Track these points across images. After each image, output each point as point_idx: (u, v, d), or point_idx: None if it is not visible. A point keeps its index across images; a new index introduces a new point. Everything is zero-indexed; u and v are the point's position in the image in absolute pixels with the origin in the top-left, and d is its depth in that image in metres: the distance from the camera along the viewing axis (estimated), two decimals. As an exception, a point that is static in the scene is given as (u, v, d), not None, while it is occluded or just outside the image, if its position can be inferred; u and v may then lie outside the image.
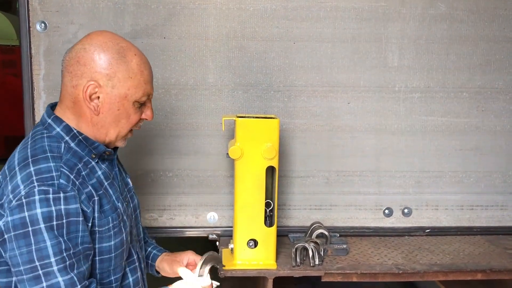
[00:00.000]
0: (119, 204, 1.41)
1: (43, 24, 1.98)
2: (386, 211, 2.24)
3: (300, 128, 2.15)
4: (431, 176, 2.23)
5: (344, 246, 2.01)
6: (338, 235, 2.15)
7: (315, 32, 2.08)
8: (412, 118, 2.17)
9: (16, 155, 1.30)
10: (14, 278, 1.26)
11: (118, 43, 1.33)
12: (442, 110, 2.18)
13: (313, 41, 2.08)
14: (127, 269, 1.47)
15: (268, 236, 1.83)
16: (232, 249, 1.87)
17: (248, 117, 1.80)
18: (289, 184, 2.18)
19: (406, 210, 2.24)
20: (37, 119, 2.03)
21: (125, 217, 1.43)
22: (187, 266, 1.62)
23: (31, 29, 1.98)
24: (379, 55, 2.12)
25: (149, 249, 1.72)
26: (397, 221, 2.25)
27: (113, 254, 1.37)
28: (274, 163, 1.78)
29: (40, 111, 2.03)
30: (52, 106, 1.40)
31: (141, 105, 1.39)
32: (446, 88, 2.17)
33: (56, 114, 1.36)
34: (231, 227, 1.87)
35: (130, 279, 1.48)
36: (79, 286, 1.20)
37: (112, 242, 1.36)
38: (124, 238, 1.41)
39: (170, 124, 2.10)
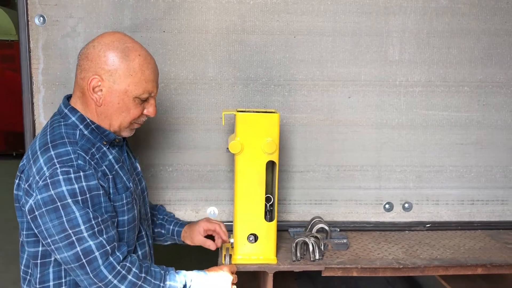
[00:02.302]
0: (130, 184, 1.58)
1: (41, 18, 1.96)
2: (387, 206, 2.23)
3: (300, 123, 2.14)
4: (432, 170, 2.22)
5: (345, 240, 2.01)
6: (339, 229, 2.15)
7: (316, 25, 2.07)
8: (412, 113, 2.17)
9: (37, 141, 1.46)
10: (40, 248, 1.46)
11: (124, 43, 1.47)
12: (443, 104, 2.17)
13: (314, 35, 2.07)
14: (136, 243, 1.63)
15: (268, 231, 1.83)
16: (232, 243, 1.87)
17: (248, 111, 1.79)
18: (289, 179, 2.18)
19: (406, 205, 2.24)
20: (37, 113, 2.03)
21: (135, 196, 1.60)
22: (205, 231, 1.86)
23: (29, 23, 1.96)
24: (380, 49, 2.11)
25: (171, 227, 1.90)
26: (397, 216, 2.25)
27: (126, 228, 1.54)
28: (274, 158, 1.78)
29: (39, 105, 2.02)
30: (68, 97, 1.56)
31: (142, 101, 1.52)
32: (447, 82, 2.16)
33: (71, 104, 1.52)
34: (231, 222, 1.87)
35: (140, 252, 1.65)
36: (108, 247, 1.39)
37: (126, 217, 1.53)
38: (136, 215, 1.59)
39: (170, 118, 2.09)
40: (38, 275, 1.48)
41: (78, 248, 1.36)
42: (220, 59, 2.06)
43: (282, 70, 2.09)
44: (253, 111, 1.79)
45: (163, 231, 1.90)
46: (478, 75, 2.16)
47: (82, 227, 1.36)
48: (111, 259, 1.40)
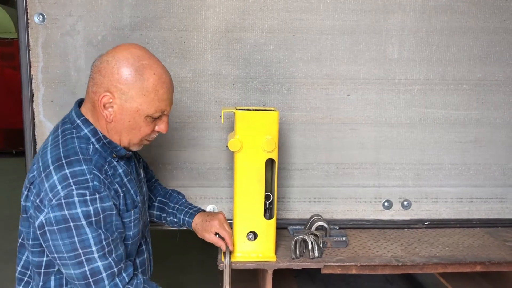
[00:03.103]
0: (137, 198, 1.58)
1: (41, 16, 1.97)
2: (386, 204, 2.24)
3: (299, 121, 2.14)
4: (431, 168, 2.23)
5: (344, 238, 2.01)
6: (338, 227, 2.15)
7: (315, 24, 2.07)
8: (411, 111, 2.17)
9: (48, 153, 1.42)
10: (44, 259, 1.46)
11: (140, 61, 1.43)
12: (442, 102, 2.18)
13: (313, 33, 2.08)
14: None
15: (267, 229, 1.83)
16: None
17: (247, 109, 1.80)
18: (288, 177, 2.18)
19: (405, 203, 2.24)
20: (36, 111, 2.03)
21: (141, 210, 1.60)
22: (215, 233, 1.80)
23: (29, 21, 1.96)
24: (379, 47, 2.11)
25: (182, 216, 1.87)
26: (396, 214, 2.25)
27: (130, 242, 1.54)
28: (274, 156, 1.78)
29: (39, 103, 2.02)
30: (80, 103, 1.54)
31: (154, 119, 1.50)
32: (446, 80, 2.16)
33: (82, 113, 1.49)
34: (231, 219, 1.87)
35: (137, 260, 1.64)
36: (115, 269, 1.39)
37: (131, 232, 1.54)
38: (141, 228, 1.60)
39: (170, 116, 2.08)
40: (40, 284, 1.50)
41: (86, 268, 1.36)
42: (219, 57, 2.07)
43: (281, 68, 2.09)
44: (253, 109, 1.80)
45: (175, 220, 1.89)
46: (477, 73, 2.16)
47: (94, 248, 1.36)
48: (117, 280, 1.40)
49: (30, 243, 1.47)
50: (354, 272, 1.88)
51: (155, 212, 1.92)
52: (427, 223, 2.26)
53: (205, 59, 2.06)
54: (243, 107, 1.85)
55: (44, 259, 1.47)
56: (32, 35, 1.98)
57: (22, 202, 1.45)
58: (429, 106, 2.17)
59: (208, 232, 1.80)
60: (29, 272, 1.55)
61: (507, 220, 2.29)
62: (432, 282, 2.82)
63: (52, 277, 1.49)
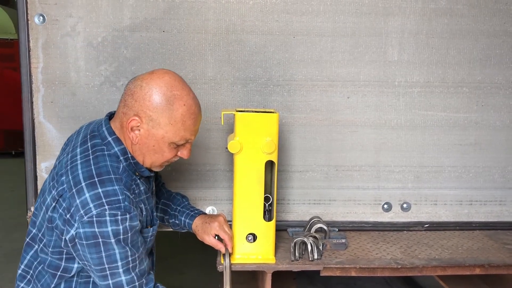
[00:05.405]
0: (154, 214, 1.65)
1: (41, 17, 1.97)
2: (385, 206, 2.24)
3: (299, 123, 2.14)
4: (430, 171, 2.23)
5: (343, 240, 2.01)
6: (337, 229, 2.15)
7: (315, 26, 2.07)
8: (411, 113, 2.17)
9: (79, 167, 1.44)
10: (63, 263, 1.50)
11: (172, 90, 1.46)
12: (442, 105, 2.18)
13: (313, 35, 2.08)
14: None
15: (267, 231, 1.83)
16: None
17: (247, 111, 1.80)
18: (288, 179, 2.18)
19: (405, 205, 2.24)
20: (36, 112, 2.03)
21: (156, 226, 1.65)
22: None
23: (29, 22, 1.97)
24: (379, 50, 2.11)
25: (183, 218, 1.88)
26: (396, 216, 2.25)
27: None
28: (273, 158, 1.78)
29: (39, 104, 2.02)
30: (110, 116, 1.57)
31: (178, 145, 1.54)
32: (446, 83, 2.16)
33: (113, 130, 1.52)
34: (230, 221, 1.87)
35: None
36: (136, 283, 1.45)
37: (146, 247, 1.57)
38: (153, 243, 1.67)
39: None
40: (52, 285, 1.54)
41: (110, 281, 1.42)
42: (219, 59, 2.07)
43: (281, 70, 2.09)
44: (252, 111, 1.80)
45: (177, 222, 1.90)
46: (477, 76, 2.17)
47: (119, 263, 1.41)
48: None
49: (50, 250, 1.51)
50: (353, 274, 1.88)
51: (158, 215, 1.92)
52: (426, 225, 2.26)
53: (205, 60, 2.06)
54: (243, 109, 1.85)
55: (63, 263, 1.51)
56: (32, 36, 1.98)
57: (50, 213, 1.47)
58: (429, 108, 2.17)
59: (207, 234, 1.80)
60: (31, 271, 1.58)
61: (507, 223, 2.29)
62: (431, 285, 2.83)
63: (63, 280, 1.54)
